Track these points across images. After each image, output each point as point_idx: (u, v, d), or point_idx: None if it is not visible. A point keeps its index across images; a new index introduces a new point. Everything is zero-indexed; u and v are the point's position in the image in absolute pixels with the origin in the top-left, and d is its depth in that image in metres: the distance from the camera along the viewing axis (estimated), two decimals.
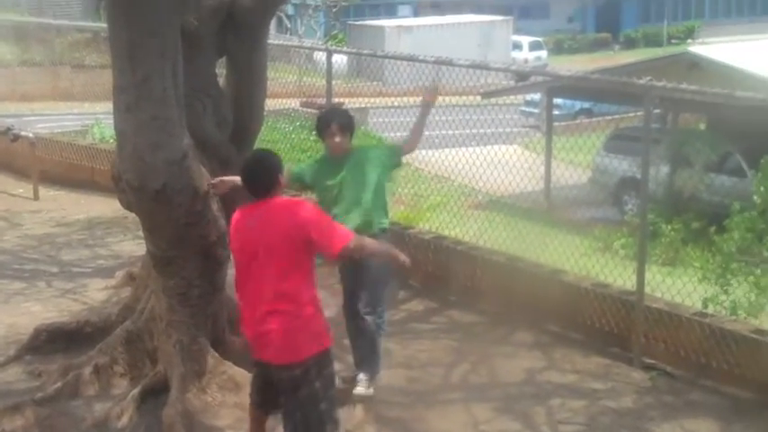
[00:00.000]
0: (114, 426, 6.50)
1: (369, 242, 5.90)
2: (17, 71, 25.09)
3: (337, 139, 6.75)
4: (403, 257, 5.83)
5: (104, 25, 6.48)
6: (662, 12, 57.93)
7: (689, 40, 52.97)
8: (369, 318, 6.85)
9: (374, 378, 6.98)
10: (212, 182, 6.62)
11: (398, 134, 14.42)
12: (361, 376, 6.89)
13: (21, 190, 14.43)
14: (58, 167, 14.82)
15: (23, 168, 14.72)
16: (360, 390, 6.83)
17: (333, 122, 6.79)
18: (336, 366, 7.46)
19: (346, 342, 7.19)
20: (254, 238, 5.52)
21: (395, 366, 7.72)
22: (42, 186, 14.18)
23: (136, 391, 6.72)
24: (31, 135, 14.66)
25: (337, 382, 6.71)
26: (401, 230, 9.90)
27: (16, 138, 14.56)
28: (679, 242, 14.71)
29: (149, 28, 6.12)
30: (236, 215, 5.77)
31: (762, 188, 11.56)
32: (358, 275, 6.79)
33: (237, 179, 6.15)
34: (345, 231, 5.72)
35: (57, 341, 7.84)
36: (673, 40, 55.14)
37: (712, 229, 14.04)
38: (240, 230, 5.64)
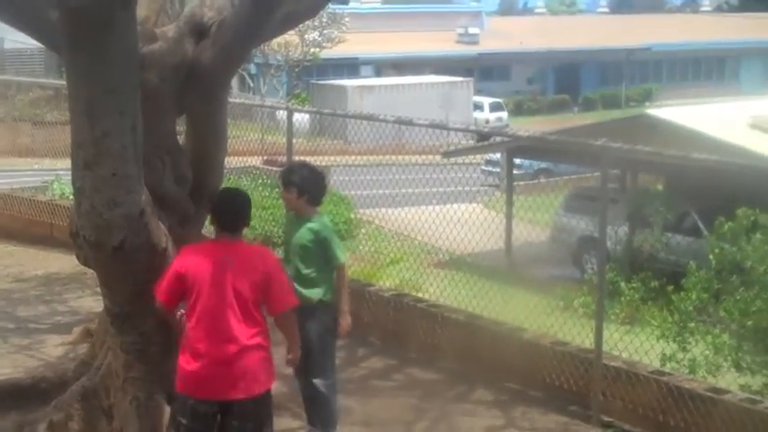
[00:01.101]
0: None
1: (295, 329, 6.04)
2: None
3: (284, 194, 6.90)
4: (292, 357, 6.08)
5: (65, 82, 6.49)
6: (620, 75, 58.89)
7: (647, 103, 53.83)
8: (317, 381, 6.86)
9: None
10: None
11: (360, 192, 14.53)
12: None
13: None
14: (16, 223, 14.72)
15: None
16: None
17: (281, 178, 6.93)
18: (294, 424, 7.50)
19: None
20: (227, 277, 5.68)
21: (354, 424, 7.70)
22: None
23: None
24: None
25: None
26: (361, 287, 9.91)
27: None
28: (638, 301, 14.81)
29: (108, 85, 6.13)
30: (194, 250, 5.93)
31: (716, 249, 11.69)
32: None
33: None
34: (293, 296, 5.98)
35: (11, 397, 7.73)
36: (631, 103, 56.01)
37: (670, 288, 14.15)
38: (207, 267, 5.71)
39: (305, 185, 6.89)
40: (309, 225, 6.90)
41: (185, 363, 5.76)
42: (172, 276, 5.82)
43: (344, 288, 6.94)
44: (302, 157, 11.56)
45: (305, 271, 6.78)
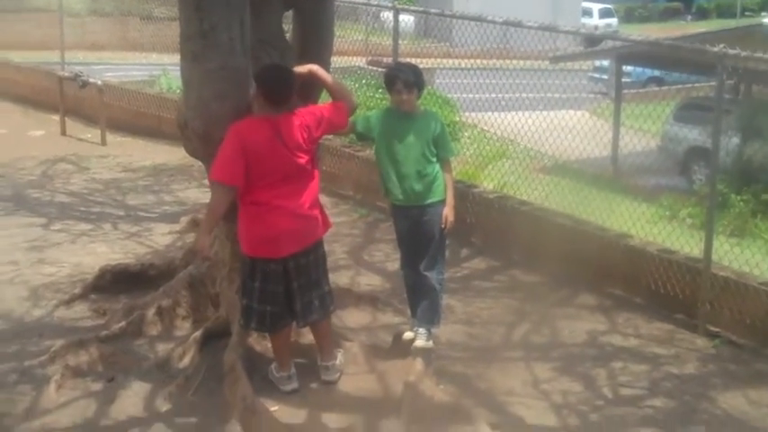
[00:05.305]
0: (176, 366, 6.54)
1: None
2: (87, 21, 25.28)
3: (404, 97, 6.69)
4: None
5: None
6: None
7: (763, 13, 51.86)
8: (428, 274, 6.82)
9: (433, 331, 6.95)
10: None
11: (465, 95, 14.35)
12: (421, 330, 6.86)
13: (89, 135, 14.61)
14: (126, 115, 14.99)
15: (91, 114, 14.91)
16: (419, 342, 6.79)
17: (399, 78, 6.74)
18: (395, 320, 7.54)
19: (405, 295, 7.17)
20: (287, 150, 5.90)
21: (456, 323, 7.72)
22: (109, 132, 14.35)
23: (198, 333, 6.75)
24: (99, 82, 14.82)
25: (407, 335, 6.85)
26: (465, 189, 9.85)
27: (85, 84, 14.76)
28: (748, 213, 14.43)
29: None
30: (244, 126, 5.95)
31: None
32: (416, 233, 6.76)
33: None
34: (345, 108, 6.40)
35: (121, 282, 7.98)
36: (747, 12, 54.01)
37: None
38: (262, 136, 5.87)
39: (421, 83, 6.80)
40: (433, 117, 6.91)
41: (259, 227, 5.97)
42: (234, 155, 5.84)
43: (453, 182, 6.88)
44: (407, 59, 11.45)
45: (428, 167, 6.68)
